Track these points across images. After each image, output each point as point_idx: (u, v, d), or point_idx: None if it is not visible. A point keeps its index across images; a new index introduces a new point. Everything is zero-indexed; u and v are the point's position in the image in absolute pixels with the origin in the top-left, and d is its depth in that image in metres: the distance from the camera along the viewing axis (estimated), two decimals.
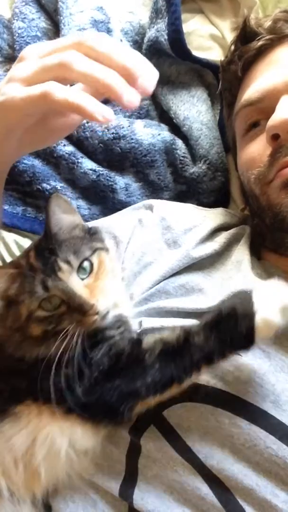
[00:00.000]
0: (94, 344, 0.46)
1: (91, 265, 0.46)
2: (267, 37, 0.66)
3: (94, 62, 0.41)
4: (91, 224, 0.67)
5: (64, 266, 0.44)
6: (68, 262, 0.44)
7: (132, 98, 0.41)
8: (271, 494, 0.43)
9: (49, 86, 0.41)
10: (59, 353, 0.43)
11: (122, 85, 0.40)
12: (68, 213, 0.50)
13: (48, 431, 0.45)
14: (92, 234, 0.51)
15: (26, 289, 0.44)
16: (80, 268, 0.46)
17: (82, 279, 0.45)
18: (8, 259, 0.75)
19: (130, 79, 0.41)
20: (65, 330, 0.43)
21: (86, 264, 0.46)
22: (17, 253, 0.75)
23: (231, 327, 0.43)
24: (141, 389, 0.43)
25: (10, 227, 0.76)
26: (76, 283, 0.44)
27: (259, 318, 0.42)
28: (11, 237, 0.75)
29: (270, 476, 0.44)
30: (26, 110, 0.43)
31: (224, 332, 0.43)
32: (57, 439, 0.45)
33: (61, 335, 0.43)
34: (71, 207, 0.51)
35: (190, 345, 0.43)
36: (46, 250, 0.46)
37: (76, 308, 0.43)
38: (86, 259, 0.46)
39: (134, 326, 0.52)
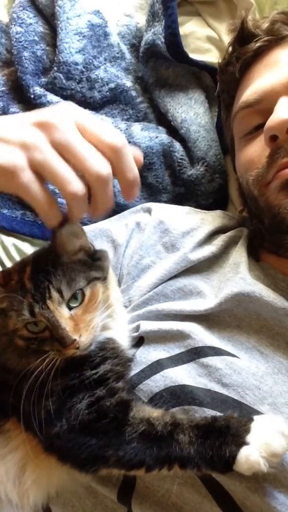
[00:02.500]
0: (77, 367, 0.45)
1: (83, 295, 0.45)
2: (265, 38, 0.66)
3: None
4: (90, 227, 0.67)
5: (55, 295, 0.43)
6: (60, 292, 0.43)
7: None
8: (270, 496, 0.43)
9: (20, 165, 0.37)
10: (36, 372, 0.43)
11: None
12: (76, 236, 0.48)
13: (35, 466, 0.45)
14: (95, 260, 0.49)
15: (14, 307, 0.43)
16: (72, 297, 0.44)
17: (71, 308, 0.44)
18: (7, 262, 0.75)
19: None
20: (45, 354, 0.43)
21: (78, 293, 0.45)
22: (16, 256, 0.75)
23: (217, 445, 0.41)
24: (110, 458, 0.42)
25: (9, 231, 0.76)
26: (62, 315, 0.43)
27: (244, 454, 0.40)
28: (10, 241, 0.75)
29: (268, 478, 0.44)
30: None
31: (208, 447, 0.41)
32: (43, 479, 0.46)
33: (41, 356, 0.43)
34: (81, 229, 0.49)
35: (173, 440, 0.42)
36: (42, 273, 0.44)
37: (58, 339, 0.43)
38: (80, 289, 0.45)
39: (125, 346, 0.51)
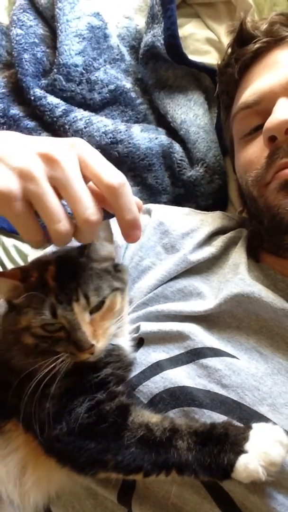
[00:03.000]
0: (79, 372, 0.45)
1: (103, 302, 0.45)
2: (264, 39, 0.66)
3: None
4: None
5: (82, 300, 0.43)
6: (87, 298, 0.43)
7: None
8: (269, 496, 0.43)
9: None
10: (41, 372, 0.42)
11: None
12: (109, 242, 0.48)
13: (35, 468, 0.45)
14: (117, 271, 0.49)
15: (33, 304, 0.43)
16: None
17: (91, 313, 0.44)
18: (8, 263, 0.75)
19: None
20: (55, 355, 0.42)
21: (99, 301, 0.45)
22: (17, 257, 0.75)
23: (215, 453, 0.41)
24: (109, 462, 0.42)
25: (10, 232, 0.76)
26: (84, 319, 0.43)
27: (242, 462, 0.40)
28: (10, 242, 0.76)
29: (268, 479, 0.44)
30: None
31: (206, 454, 0.41)
32: (43, 480, 0.46)
33: (49, 357, 0.42)
34: (113, 238, 0.50)
35: (171, 446, 0.41)
36: (69, 274, 0.43)
37: (75, 342, 0.42)
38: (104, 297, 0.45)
39: (128, 351, 0.51)
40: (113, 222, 0.50)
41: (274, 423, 0.45)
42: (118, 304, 0.46)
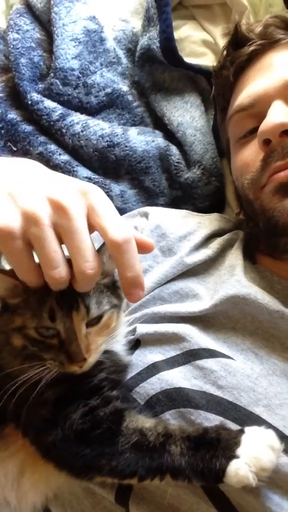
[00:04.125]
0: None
1: (101, 318, 0.44)
2: (258, 42, 0.67)
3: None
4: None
5: (83, 310, 0.42)
6: (87, 309, 0.42)
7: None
8: (265, 496, 0.44)
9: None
10: (24, 377, 0.42)
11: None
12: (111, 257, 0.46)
13: (33, 471, 0.45)
14: (115, 287, 0.48)
15: (31, 305, 0.42)
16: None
17: (87, 326, 0.43)
18: (7, 265, 0.75)
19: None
20: (42, 362, 0.42)
21: (98, 316, 0.44)
22: None
23: (207, 458, 0.41)
24: (104, 467, 0.43)
25: None
26: (81, 331, 0.42)
27: (233, 468, 0.40)
28: None
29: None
30: None
31: (199, 459, 0.41)
32: (41, 483, 0.46)
33: (35, 362, 0.42)
34: None
35: (165, 451, 0.42)
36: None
37: (67, 352, 0.42)
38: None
39: (122, 353, 0.52)
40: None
41: (269, 424, 0.45)
42: (113, 322, 0.46)
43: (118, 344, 0.51)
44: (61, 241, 0.37)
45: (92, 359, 0.43)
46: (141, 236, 0.40)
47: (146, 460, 0.42)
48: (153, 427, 0.44)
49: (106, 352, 0.48)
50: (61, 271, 0.37)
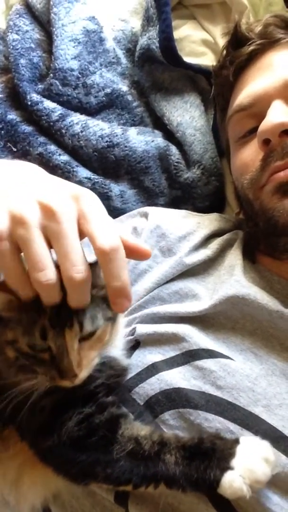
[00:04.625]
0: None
1: (95, 332, 0.43)
2: (258, 41, 0.66)
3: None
4: None
5: (76, 327, 0.40)
6: (81, 325, 0.41)
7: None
8: (264, 496, 0.44)
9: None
10: (18, 387, 0.42)
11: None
12: None
13: (32, 473, 0.46)
14: None
15: (23, 322, 0.41)
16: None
17: (80, 340, 0.42)
18: None
19: None
20: (33, 374, 0.41)
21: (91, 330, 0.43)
22: None
23: (202, 469, 0.41)
24: (99, 474, 0.43)
25: None
26: (73, 347, 0.41)
27: (227, 479, 0.40)
28: None
29: None
30: None
31: (193, 469, 0.42)
32: (40, 484, 0.46)
33: (28, 374, 0.42)
34: None
35: (160, 460, 0.42)
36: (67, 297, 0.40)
37: (58, 368, 0.41)
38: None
39: (120, 357, 0.51)
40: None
41: (268, 424, 0.45)
42: (107, 336, 0.45)
43: (116, 349, 0.51)
44: (50, 246, 0.36)
45: (84, 374, 0.42)
46: (136, 242, 0.39)
47: (140, 468, 0.42)
48: (149, 435, 0.44)
49: (103, 357, 0.47)
50: (48, 273, 0.35)
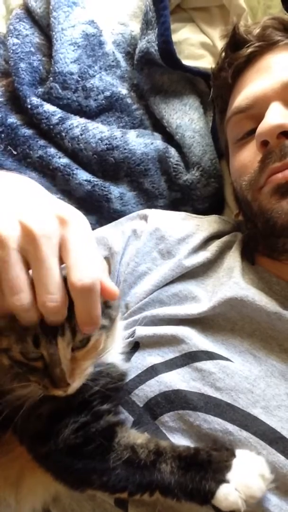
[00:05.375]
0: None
1: (88, 340, 0.43)
2: (257, 44, 0.67)
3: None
4: None
5: (68, 335, 0.40)
6: (73, 333, 0.40)
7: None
8: (264, 497, 0.44)
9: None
10: (14, 394, 0.42)
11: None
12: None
13: (32, 476, 0.46)
14: (107, 307, 0.47)
15: (16, 329, 0.40)
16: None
17: (73, 350, 0.42)
18: None
19: None
20: (27, 382, 0.41)
21: (85, 338, 0.43)
22: None
23: (197, 480, 0.42)
24: (95, 481, 0.44)
25: None
26: (66, 356, 0.41)
27: (223, 492, 0.41)
28: None
29: None
30: None
31: (188, 480, 0.42)
32: (40, 488, 0.47)
33: (24, 383, 0.41)
34: (110, 273, 0.48)
35: (155, 469, 0.43)
36: None
37: (52, 378, 0.41)
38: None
39: (118, 362, 0.51)
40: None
41: (267, 426, 0.45)
42: (101, 345, 0.45)
43: (115, 354, 0.51)
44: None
45: (77, 383, 0.42)
46: (107, 284, 0.38)
47: (136, 477, 0.43)
48: (145, 444, 0.44)
49: (100, 364, 0.47)
50: (22, 298, 0.34)
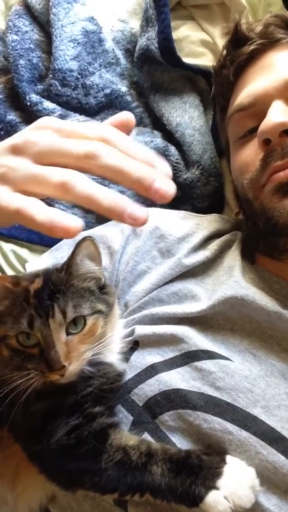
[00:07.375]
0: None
1: (84, 324, 0.44)
2: (259, 41, 0.66)
3: (124, 157, 0.35)
4: (86, 233, 0.68)
5: (58, 316, 0.42)
6: (64, 313, 0.42)
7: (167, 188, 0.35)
8: (264, 497, 0.44)
9: (27, 203, 0.33)
10: (13, 384, 0.42)
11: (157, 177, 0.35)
12: (92, 260, 0.48)
13: (28, 474, 0.46)
14: (103, 293, 0.48)
15: (13, 313, 0.42)
16: (73, 322, 0.44)
17: (69, 333, 0.43)
18: (6, 268, 0.76)
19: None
20: (26, 372, 0.42)
21: (80, 320, 0.44)
22: (15, 262, 0.76)
23: (187, 484, 0.42)
24: (86, 481, 0.44)
25: (8, 237, 0.77)
26: (59, 338, 0.42)
27: (212, 499, 0.41)
28: (8, 247, 0.76)
29: (262, 480, 0.44)
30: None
31: (178, 483, 0.42)
32: (36, 485, 0.47)
33: (22, 372, 0.42)
34: (99, 256, 0.49)
35: (146, 471, 0.43)
36: (50, 289, 0.43)
37: (47, 361, 0.42)
38: (83, 317, 0.44)
39: (115, 362, 0.51)
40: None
41: (267, 425, 0.45)
42: (99, 329, 0.45)
43: (112, 354, 0.51)
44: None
45: (73, 367, 0.43)
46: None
47: (127, 478, 0.43)
48: (137, 446, 0.44)
49: (97, 364, 0.47)
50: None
